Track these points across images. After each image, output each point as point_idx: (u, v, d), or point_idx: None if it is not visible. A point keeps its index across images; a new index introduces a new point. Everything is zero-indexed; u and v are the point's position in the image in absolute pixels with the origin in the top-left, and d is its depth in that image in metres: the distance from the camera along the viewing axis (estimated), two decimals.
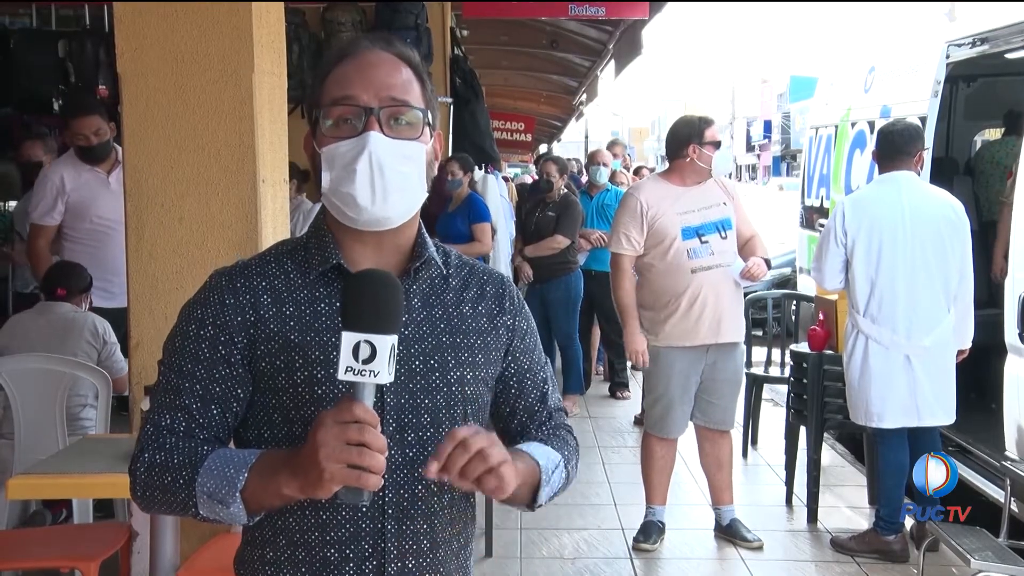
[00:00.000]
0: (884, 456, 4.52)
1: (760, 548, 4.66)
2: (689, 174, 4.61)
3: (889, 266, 4.32)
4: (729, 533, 4.77)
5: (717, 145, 4.59)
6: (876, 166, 4.60)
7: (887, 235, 4.33)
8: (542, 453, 1.56)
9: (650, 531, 4.73)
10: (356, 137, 1.46)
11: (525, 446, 1.56)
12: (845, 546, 4.58)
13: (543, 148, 24.33)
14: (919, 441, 4.38)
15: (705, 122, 4.65)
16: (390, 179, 1.45)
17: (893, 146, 4.45)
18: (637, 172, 10.74)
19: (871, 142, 6.37)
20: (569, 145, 38.10)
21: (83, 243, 4.96)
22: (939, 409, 4.39)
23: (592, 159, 8.29)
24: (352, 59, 1.50)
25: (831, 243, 4.43)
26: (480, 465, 1.35)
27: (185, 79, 3.37)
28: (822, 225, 7.22)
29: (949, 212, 4.40)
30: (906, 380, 4.34)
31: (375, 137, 1.45)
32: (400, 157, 1.47)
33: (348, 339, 1.29)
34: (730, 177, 5.90)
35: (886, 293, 4.33)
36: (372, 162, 1.44)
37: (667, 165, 4.78)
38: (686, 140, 4.59)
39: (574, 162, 14.63)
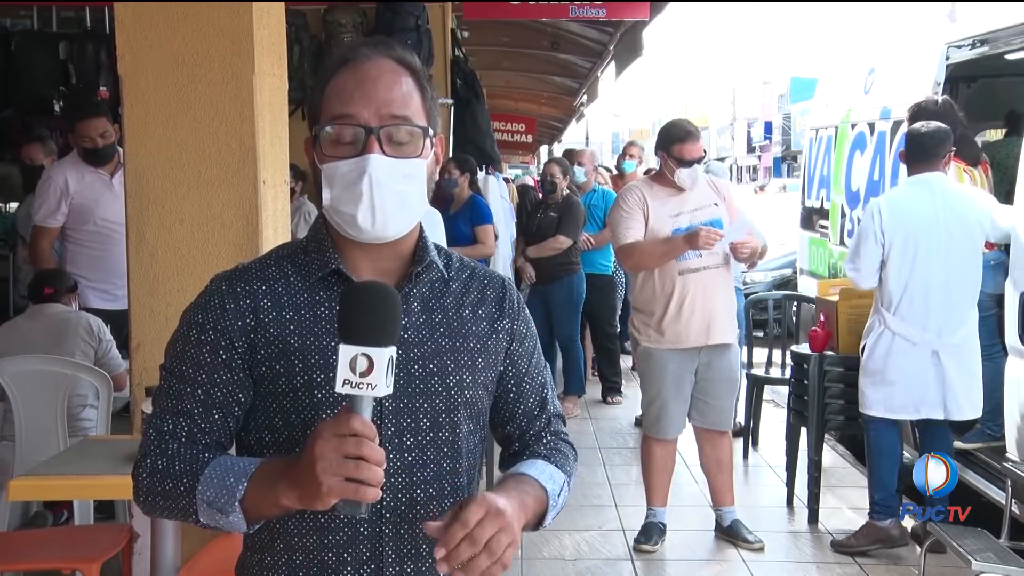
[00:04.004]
0: (873, 441, 4.55)
1: (761, 549, 4.66)
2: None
3: (924, 267, 4.35)
4: (730, 534, 4.77)
5: (683, 163, 4.52)
6: (906, 168, 4.57)
7: (923, 237, 4.36)
8: (548, 476, 1.55)
9: (651, 532, 4.73)
10: (356, 158, 1.44)
11: (532, 468, 1.55)
12: (846, 545, 4.58)
13: (544, 150, 24.30)
14: (931, 436, 4.41)
15: (679, 136, 4.56)
16: (390, 201, 1.45)
17: (923, 148, 4.46)
18: (646, 172, 10.64)
19: (871, 144, 6.37)
20: (570, 146, 38.13)
21: (86, 245, 4.96)
22: (967, 404, 4.42)
23: (570, 160, 8.19)
24: (352, 69, 1.48)
25: (870, 242, 4.43)
26: (486, 560, 1.33)
27: (186, 81, 3.36)
28: (823, 226, 7.25)
29: (981, 216, 4.44)
30: (934, 375, 4.37)
31: (375, 160, 1.44)
32: (400, 177, 1.46)
33: (345, 352, 1.28)
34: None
35: (919, 293, 4.36)
36: (372, 185, 1.43)
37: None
38: (657, 146, 4.66)
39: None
